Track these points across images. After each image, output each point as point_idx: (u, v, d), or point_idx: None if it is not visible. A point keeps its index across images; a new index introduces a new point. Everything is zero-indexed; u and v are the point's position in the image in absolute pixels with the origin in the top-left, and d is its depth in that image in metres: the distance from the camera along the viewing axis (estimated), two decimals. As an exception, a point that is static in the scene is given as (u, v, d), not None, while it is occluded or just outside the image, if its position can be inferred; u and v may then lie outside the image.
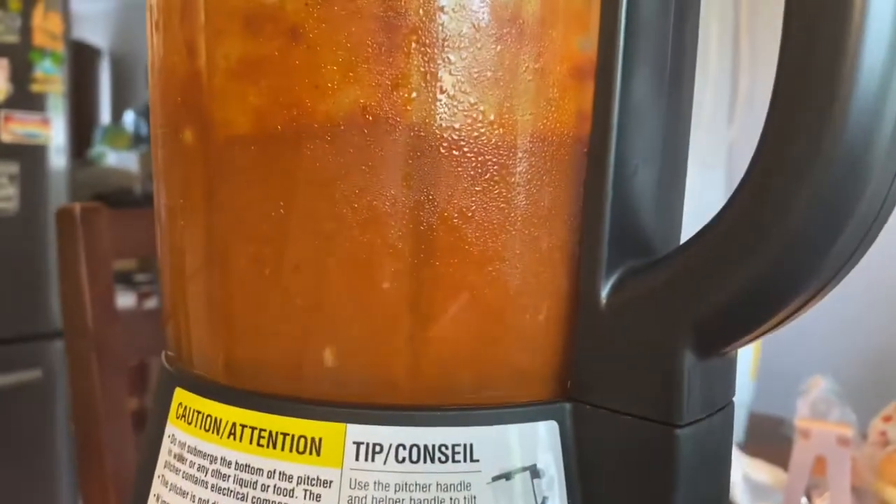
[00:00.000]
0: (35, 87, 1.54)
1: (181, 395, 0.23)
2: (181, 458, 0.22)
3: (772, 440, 0.84)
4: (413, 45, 0.20)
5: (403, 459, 0.20)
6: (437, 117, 0.20)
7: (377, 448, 0.20)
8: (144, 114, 3.01)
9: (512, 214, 0.21)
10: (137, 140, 3.03)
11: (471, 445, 0.20)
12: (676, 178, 0.23)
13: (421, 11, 0.20)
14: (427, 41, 0.20)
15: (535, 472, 0.21)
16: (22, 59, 1.53)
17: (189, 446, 0.22)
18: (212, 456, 0.22)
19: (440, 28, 0.20)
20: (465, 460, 0.20)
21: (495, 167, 0.20)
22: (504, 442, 0.21)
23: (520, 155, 0.20)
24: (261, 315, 0.21)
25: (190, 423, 0.22)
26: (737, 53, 1.49)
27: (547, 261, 0.21)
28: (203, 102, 0.22)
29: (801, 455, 0.75)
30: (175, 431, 0.23)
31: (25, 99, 1.54)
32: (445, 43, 0.20)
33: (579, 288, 0.21)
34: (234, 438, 0.21)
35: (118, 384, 0.73)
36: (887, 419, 0.76)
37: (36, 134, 1.55)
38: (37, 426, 1.59)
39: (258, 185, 0.21)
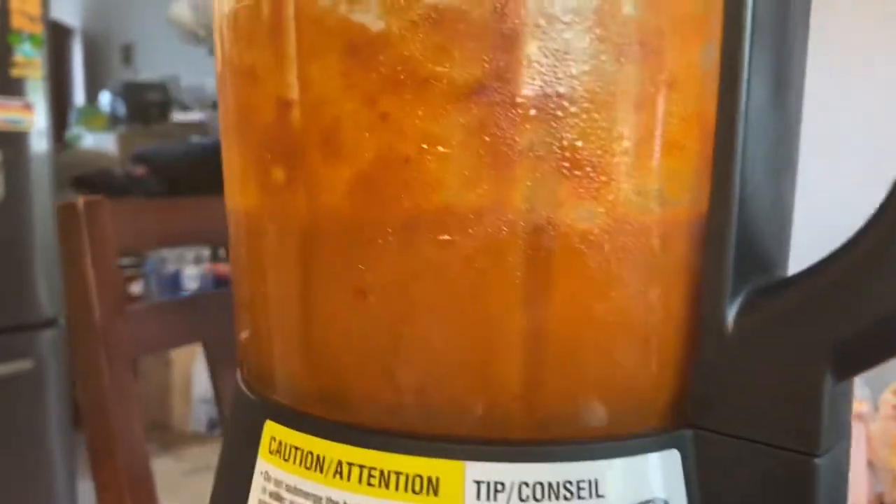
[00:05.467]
0: (15, 72, 1.49)
1: (273, 429, 0.22)
2: (278, 498, 0.21)
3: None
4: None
5: (527, 498, 0.19)
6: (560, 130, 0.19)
7: (499, 487, 0.19)
8: (120, 94, 2.96)
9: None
10: (114, 120, 2.97)
11: (595, 480, 0.19)
12: (790, 188, 0.22)
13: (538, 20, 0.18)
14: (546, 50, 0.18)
15: (658, 504, 0.20)
16: (0, 43, 1.48)
17: (287, 485, 0.21)
18: (315, 496, 0.20)
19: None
20: (590, 496, 0.19)
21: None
22: (628, 475, 0.20)
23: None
24: (364, 344, 0.20)
25: (287, 460, 0.21)
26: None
27: (668, 283, 0.20)
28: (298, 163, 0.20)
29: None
30: (269, 468, 0.22)
31: (5, 84, 1.49)
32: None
33: (701, 310, 0.20)
34: (341, 477, 0.20)
35: (126, 378, 0.71)
36: (899, 392, 0.76)
37: (18, 120, 1.50)
38: (29, 416, 1.57)
39: (360, 209, 0.20)
